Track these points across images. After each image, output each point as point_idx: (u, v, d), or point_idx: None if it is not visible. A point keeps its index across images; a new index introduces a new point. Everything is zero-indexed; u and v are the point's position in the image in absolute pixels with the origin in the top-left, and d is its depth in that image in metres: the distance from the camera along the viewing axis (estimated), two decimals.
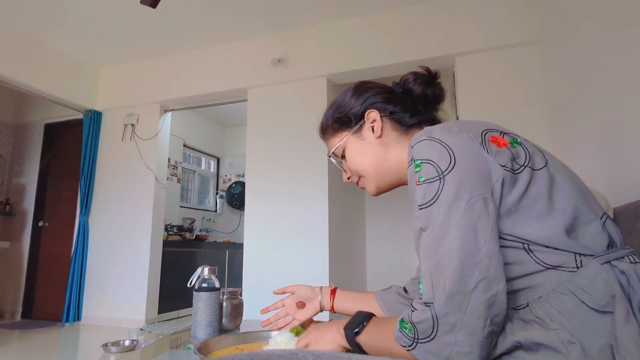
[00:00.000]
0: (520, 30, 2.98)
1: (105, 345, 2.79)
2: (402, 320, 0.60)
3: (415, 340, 0.56)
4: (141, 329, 3.62)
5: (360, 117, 0.84)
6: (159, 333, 3.46)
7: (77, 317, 3.91)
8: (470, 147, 0.61)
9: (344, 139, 0.86)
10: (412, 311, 0.59)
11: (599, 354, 0.52)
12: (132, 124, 4.18)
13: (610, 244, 0.61)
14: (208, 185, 6.28)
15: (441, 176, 0.59)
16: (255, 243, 3.51)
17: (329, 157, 0.91)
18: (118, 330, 3.58)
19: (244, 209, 3.87)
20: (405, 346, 0.58)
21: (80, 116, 4.30)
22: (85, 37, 3.79)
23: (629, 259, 0.59)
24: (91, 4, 3.28)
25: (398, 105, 0.83)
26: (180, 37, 3.81)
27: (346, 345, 0.70)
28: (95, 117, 4.26)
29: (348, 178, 0.91)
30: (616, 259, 0.58)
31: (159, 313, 3.97)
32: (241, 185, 5.88)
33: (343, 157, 0.88)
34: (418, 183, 0.62)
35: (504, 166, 0.60)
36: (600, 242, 0.60)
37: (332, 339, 0.73)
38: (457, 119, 3.19)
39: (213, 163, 6.39)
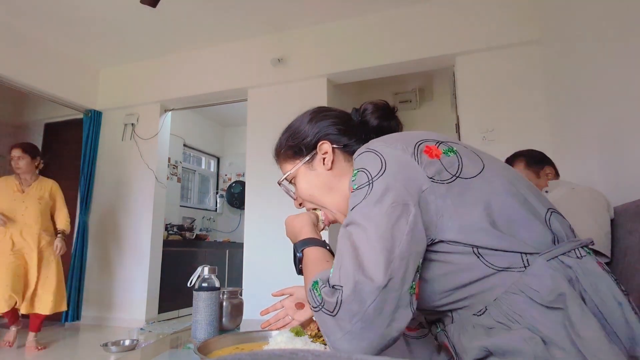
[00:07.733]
0: (520, 30, 2.98)
1: (105, 345, 2.79)
2: (315, 283, 0.62)
3: (320, 308, 0.58)
4: (141, 329, 3.62)
5: (313, 148, 0.83)
6: (159, 333, 3.46)
7: (77, 317, 3.91)
8: (401, 158, 0.64)
9: (295, 168, 0.85)
10: (325, 285, 0.60)
11: (558, 340, 0.54)
12: (132, 124, 4.18)
13: (556, 239, 0.62)
14: (208, 184, 6.28)
15: (370, 181, 0.62)
16: (255, 242, 3.51)
17: (279, 184, 0.90)
18: (118, 330, 3.59)
19: (244, 209, 3.86)
20: (312, 305, 0.60)
21: (80, 116, 4.30)
22: (85, 37, 3.79)
23: (575, 253, 0.61)
24: (91, 4, 3.28)
25: (352, 137, 0.83)
26: (180, 37, 3.81)
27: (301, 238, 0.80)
28: (95, 117, 4.26)
29: (300, 204, 0.90)
30: (563, 254, 0.60)
31: (159, 313, 3.97)
32: (241, 184, 5.88)
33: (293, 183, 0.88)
34: (352, 190, 0.65)
35: (431, 177, 0.62)
36: (543, 240, 0.61)
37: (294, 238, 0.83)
38: (457, 118, 3.20)
39: (213, 163, 6.39)
